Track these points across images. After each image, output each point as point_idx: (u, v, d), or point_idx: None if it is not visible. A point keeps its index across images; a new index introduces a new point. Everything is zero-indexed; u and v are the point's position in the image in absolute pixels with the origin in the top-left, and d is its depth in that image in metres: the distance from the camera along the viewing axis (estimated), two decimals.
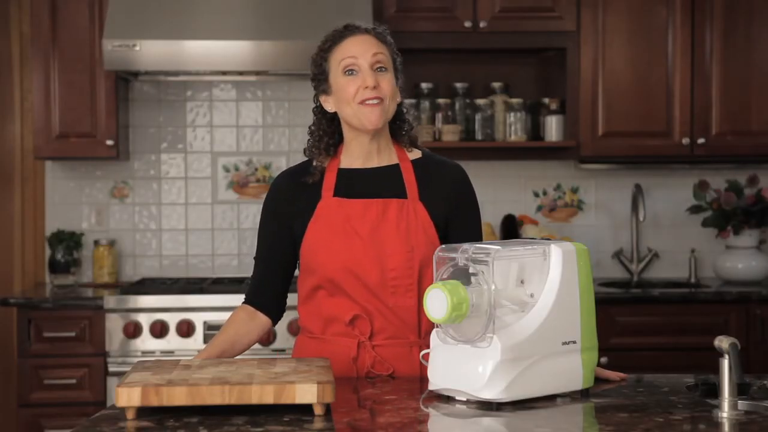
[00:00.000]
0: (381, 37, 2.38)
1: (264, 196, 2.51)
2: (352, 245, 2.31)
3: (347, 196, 2.36)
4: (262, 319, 2.45)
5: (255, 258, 2.47)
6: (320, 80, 2.39)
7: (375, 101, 2.31)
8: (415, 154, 2.45)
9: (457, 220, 2.39)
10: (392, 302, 2.31)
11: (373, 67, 2.33)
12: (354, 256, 2.30)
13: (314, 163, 2.41)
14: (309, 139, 2.44)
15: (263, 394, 1.87)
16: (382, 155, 2.41)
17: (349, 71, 2.33)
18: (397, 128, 2.43)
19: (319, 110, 2.44)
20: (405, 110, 2.44)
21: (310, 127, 2.45)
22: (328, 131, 2.41)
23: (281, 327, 3.98)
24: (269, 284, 2.45)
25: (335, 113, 2.40)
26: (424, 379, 2.24)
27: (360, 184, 2.38)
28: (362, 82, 2.31)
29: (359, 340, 2.33)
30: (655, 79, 4.41)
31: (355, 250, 2.30)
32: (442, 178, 2.40)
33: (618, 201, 4.77)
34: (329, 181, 2.38)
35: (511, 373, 1.94)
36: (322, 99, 2.40)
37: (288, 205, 2.40)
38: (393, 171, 2.40)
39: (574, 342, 2.05)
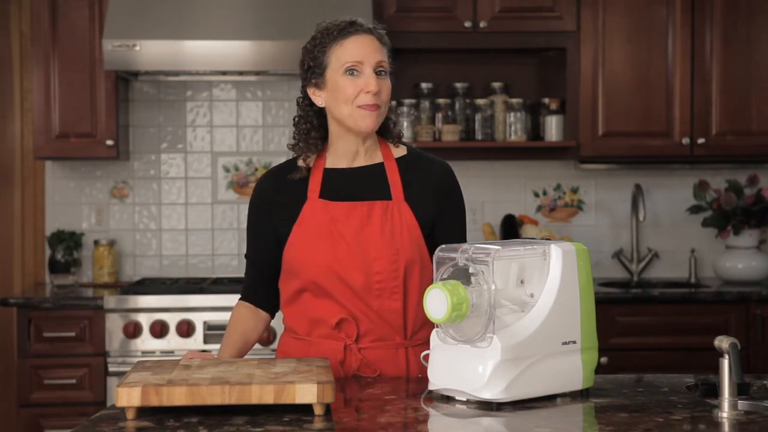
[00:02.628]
0: (382, 39, 2.35)
1: None
2: (336, 248, 2.29)
3: (332, 197, 2.34)
4: (263, 314, 2.48)
5: (246, 257, 2.48)
6: (316, 73, 2.32)
7: (373, 108, 2.29)
8: (401, 150, 2.42)
9: (442, 219, 2.37)
10: (377, 305, 2.30)
11: (375, 71, 2.30)
12: (339, 260, 2.28)
13: (299, 163, 2.38)
14: (294, 132, 2.39)
15: (263, 394, 1.87)
16: (368, 154, 2.38)
17: (351, 71, 2.29)
18: (384, 125, 2.40)
19: (306, 102, 2.38)
20: (390, 107, 2.40)
21: (294, 119, 2.40)
22: (315, 125, 2.37)
23: (280, 327, 3.96)
24: (262, 282, 2.46)
25: (322, 108, 2.36)
26: (420, 379, 2.24)
27: (345, 185, 2.35)
28: (365, 85, 2.27)
29: (345, 343, 2.31)
30: (655, 79, 4.41)
31: (340, 253, 2.28)
32: (428, 177, 2.37)
33: (618, 201, 4.77)
34: (315, 182, 2.36)
35: (511, 373, 1.94)
36: (312, 92, 2.35)
37: (273, 206, 2.38)
38: (378, 170, 2.37)
39: (574, 342, 2.05)
